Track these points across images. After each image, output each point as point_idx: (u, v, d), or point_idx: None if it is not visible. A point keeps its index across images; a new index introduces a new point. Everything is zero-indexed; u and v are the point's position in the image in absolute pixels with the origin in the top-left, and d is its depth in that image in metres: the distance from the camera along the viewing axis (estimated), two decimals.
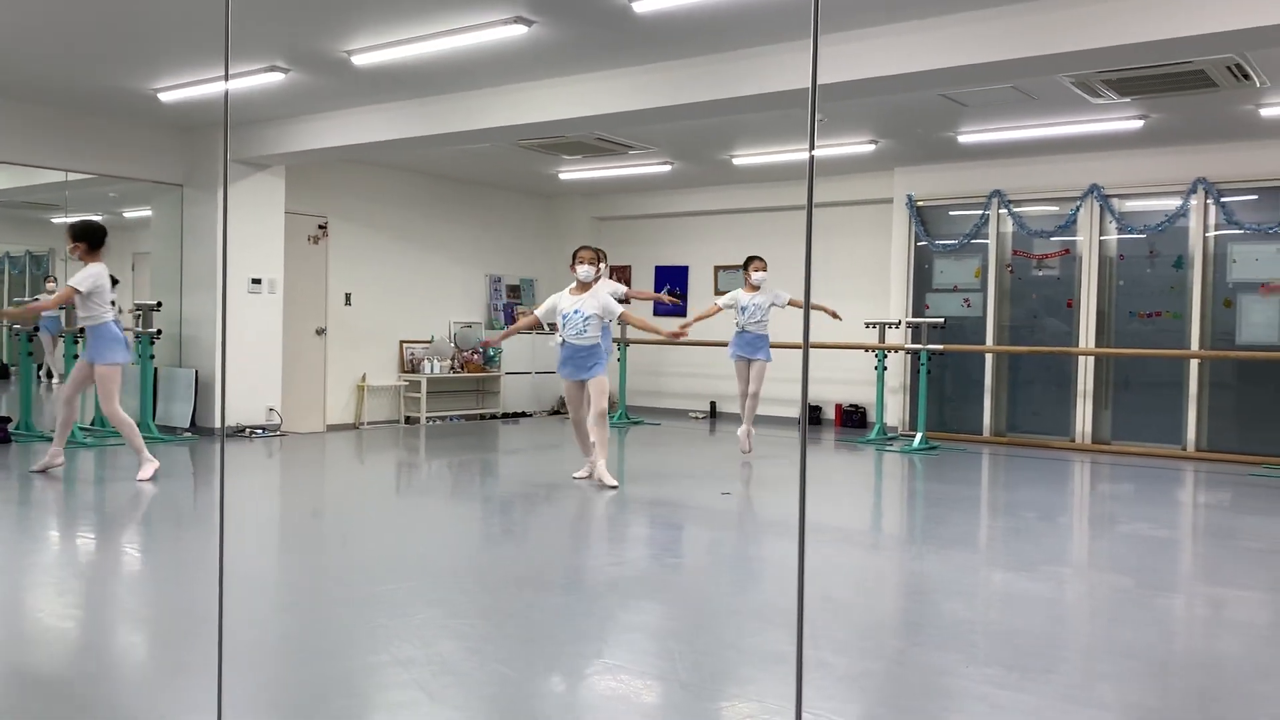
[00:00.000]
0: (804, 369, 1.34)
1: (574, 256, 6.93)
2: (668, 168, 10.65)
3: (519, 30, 6.01)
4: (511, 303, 12.57)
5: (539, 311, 7.16)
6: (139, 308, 9.07)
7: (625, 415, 11.32)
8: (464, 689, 2.98)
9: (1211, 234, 9.05)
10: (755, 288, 8.30)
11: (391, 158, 10.42)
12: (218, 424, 9.15)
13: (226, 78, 1.66)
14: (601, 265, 7.38)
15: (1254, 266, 8.89)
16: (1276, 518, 6.05)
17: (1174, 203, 9.16)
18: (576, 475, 7.07)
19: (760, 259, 8.41)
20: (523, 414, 12.10)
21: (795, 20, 5.82)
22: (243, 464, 7.75)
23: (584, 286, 6.91)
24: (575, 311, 6.80)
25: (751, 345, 8.28)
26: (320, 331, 10.39)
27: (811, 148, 1.14)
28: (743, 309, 8.27)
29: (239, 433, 9.21)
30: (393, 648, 3.32)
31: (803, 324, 1.39)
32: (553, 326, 7.06)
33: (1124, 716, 2.87)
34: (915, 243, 10.47)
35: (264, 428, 9.43)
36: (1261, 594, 4.43)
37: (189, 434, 9.09)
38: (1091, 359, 9.49)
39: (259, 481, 7.20)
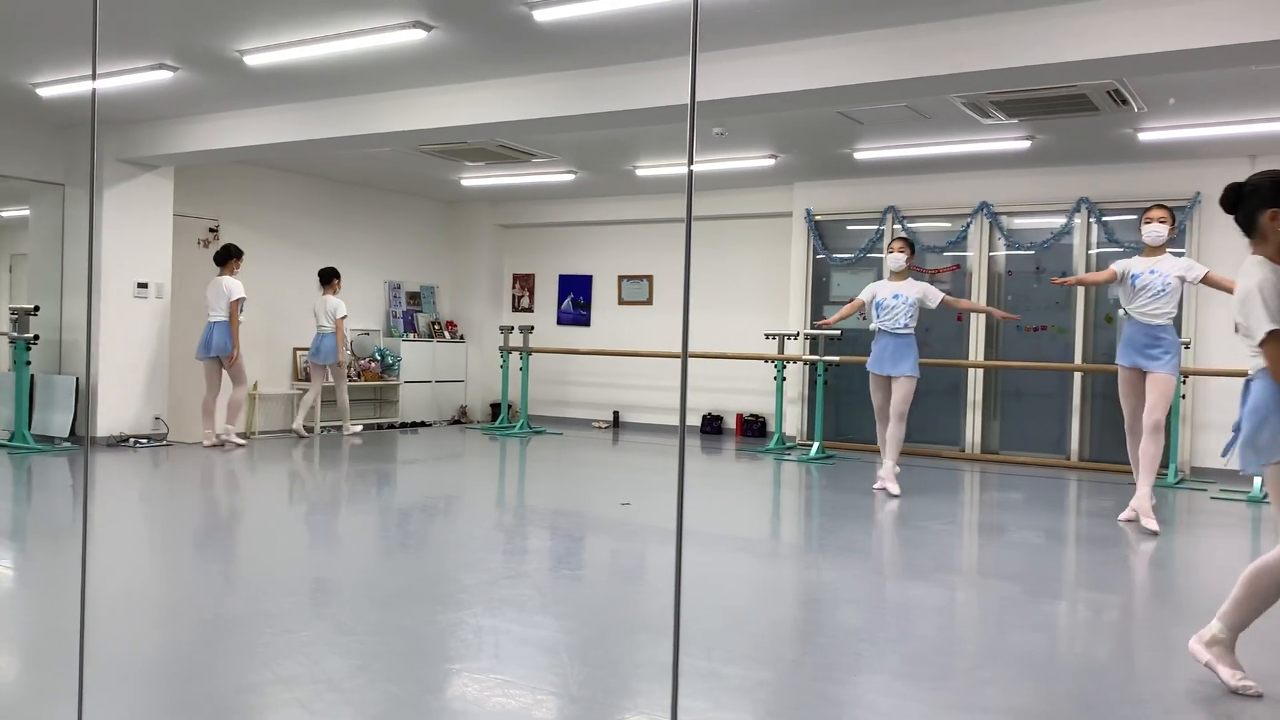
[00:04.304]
0: (683, 378, 1.34)
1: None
2: (571, 177, 10.63)
3: (418, 35, 5.93)
4: (411, 310, 12.38)
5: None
6: (15, 312, 8.66)
7: (527, 425, 11.24)
8: (350, 708, 2.90)
9: (1094, 251, 9.42)
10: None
11: (287, 160, 10.17)
12: (96, 432, 8.79)
13: (94, 76, 1.58)
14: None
15: None
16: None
17: (1059, 221, 9.51)
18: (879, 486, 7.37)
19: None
20: (422, 423, 11.91)
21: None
22: (126, 475, 7.45)
23: (898, 275, 7.09)
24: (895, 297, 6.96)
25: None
26: None
27: (690, 161, 1.14)
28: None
29: (122, 442, 8.86)
30: (274, 666, 3.22)
31: (681, 334, 1.38)
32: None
33: None
34: (814, 256, 10.66)
35: (149, 437, 9.09)
36: (1139, 599, 4.60)
37: (68, 444, 8.70)
38: (981, 371, 9.78)
39: (142, 493, 6.93)
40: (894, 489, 7.25)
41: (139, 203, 9.06)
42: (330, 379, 10.44)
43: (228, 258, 9.38)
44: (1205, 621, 3.41)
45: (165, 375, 9.29)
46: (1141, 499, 6.16)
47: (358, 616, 3.85)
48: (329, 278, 10.35)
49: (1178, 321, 6.94)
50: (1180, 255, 7.35)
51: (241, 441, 9.38)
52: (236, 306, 9.17)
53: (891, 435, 7.31)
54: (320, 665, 3.24)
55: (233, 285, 9.25)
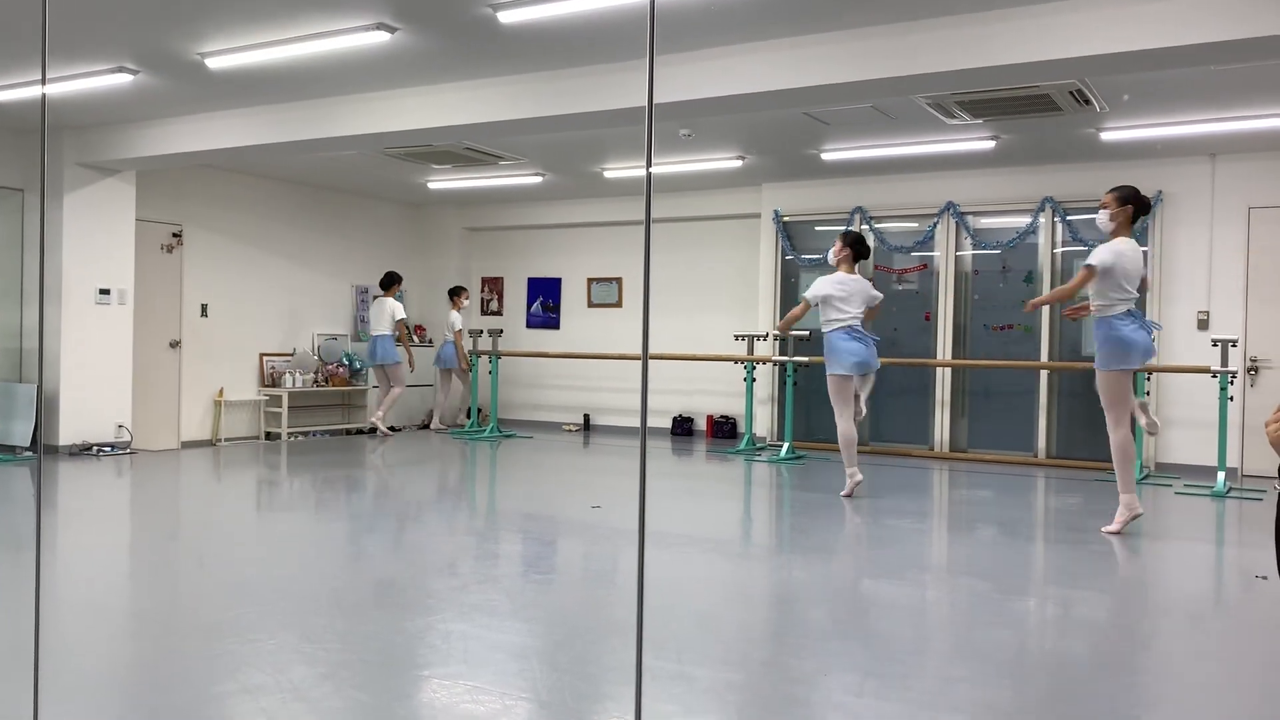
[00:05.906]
0: (643, 379, 1.33)
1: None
2: (539, 179, 10.60)
3: (382, 37, 5.89)
4: None
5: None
6: None
7: (497, 428, 11.19)
8: (316, 716, 2.87)
9: (1059, 250, 9.51)
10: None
11: (251, 164, 10.07)
12: (58, 440, 8.66)
13: (44, 81, 1.55)
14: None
15: None
16: None
17: (1024, 220, 9.59)
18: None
19: None
20: (391, 428, 11.83)
21: (661, 36, 5.86)
22: (89, 484, 7.34)
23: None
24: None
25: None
26: (175, 344, 9.96)
27: (649, 164, 1.13)
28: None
29: (85, 450, 8.74)
30: (240, 675, 3.18)
31: (641, 336, 1.37)
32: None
33: (977, 719, 2.96)
34: (782, 257, 10.68)
35: (113, 445, 8.96)
36: (1104, 594, 4.64)
37: (29, 453, 8.57)
38: (949, 370, 9.84)
39: (106, 502, 6.83)
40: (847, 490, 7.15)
41: (100, 208, 8.94)
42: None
43: (391, 283, 11.03)
44: (1172, 614, 3.44)
45: (129, 382, 9.17)
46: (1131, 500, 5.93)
47: (325, 624, 3.81)
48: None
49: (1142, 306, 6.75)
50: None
51: (389, 433, 11.07)
52: (403, 325, 10.89)
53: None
54: (286, 674, 3.20)
55: (395, 307, 10.86)
